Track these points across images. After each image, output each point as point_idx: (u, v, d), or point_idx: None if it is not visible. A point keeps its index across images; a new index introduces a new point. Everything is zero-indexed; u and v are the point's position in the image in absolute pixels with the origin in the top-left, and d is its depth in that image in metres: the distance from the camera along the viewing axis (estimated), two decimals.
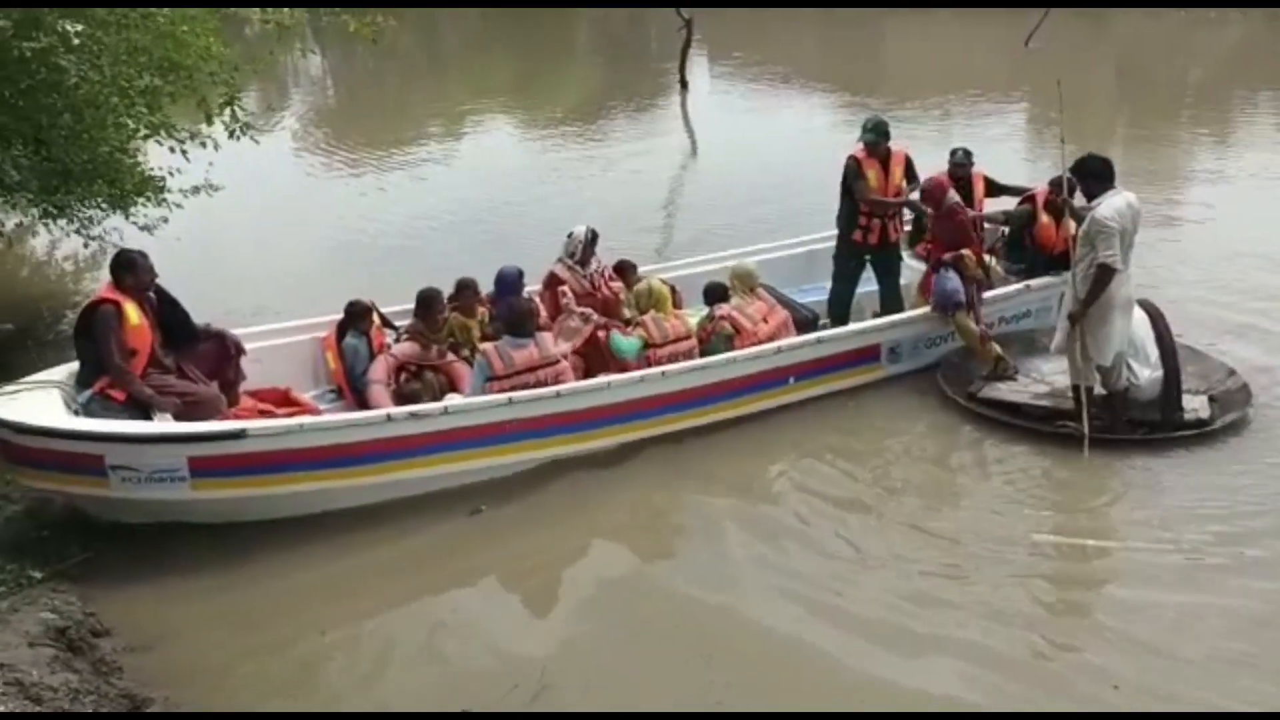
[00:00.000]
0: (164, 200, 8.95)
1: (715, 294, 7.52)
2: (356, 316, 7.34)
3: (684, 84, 21.25)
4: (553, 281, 7.91)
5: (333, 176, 15.50)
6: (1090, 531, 6.18)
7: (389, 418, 6.24)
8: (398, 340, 7.57)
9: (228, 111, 8.13)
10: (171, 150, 8.62)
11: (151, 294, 6.50)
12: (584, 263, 7.94)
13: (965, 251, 7.80)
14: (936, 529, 6.17)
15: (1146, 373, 7.09)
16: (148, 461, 5.85)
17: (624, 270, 8.22)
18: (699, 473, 6.87)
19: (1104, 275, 6.63)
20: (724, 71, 24.50)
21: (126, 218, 8.93)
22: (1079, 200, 7.06)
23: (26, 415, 5.81)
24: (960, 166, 8.82)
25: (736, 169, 14.89)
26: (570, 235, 7.92)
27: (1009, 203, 9.15)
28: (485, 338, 7.58)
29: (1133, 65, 24.41)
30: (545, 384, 6.64)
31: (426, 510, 6.46)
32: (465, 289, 7.59)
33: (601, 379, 6.85)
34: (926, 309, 7.81)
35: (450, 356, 7.52)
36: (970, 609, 5.46)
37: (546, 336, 6.80)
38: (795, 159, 15.00)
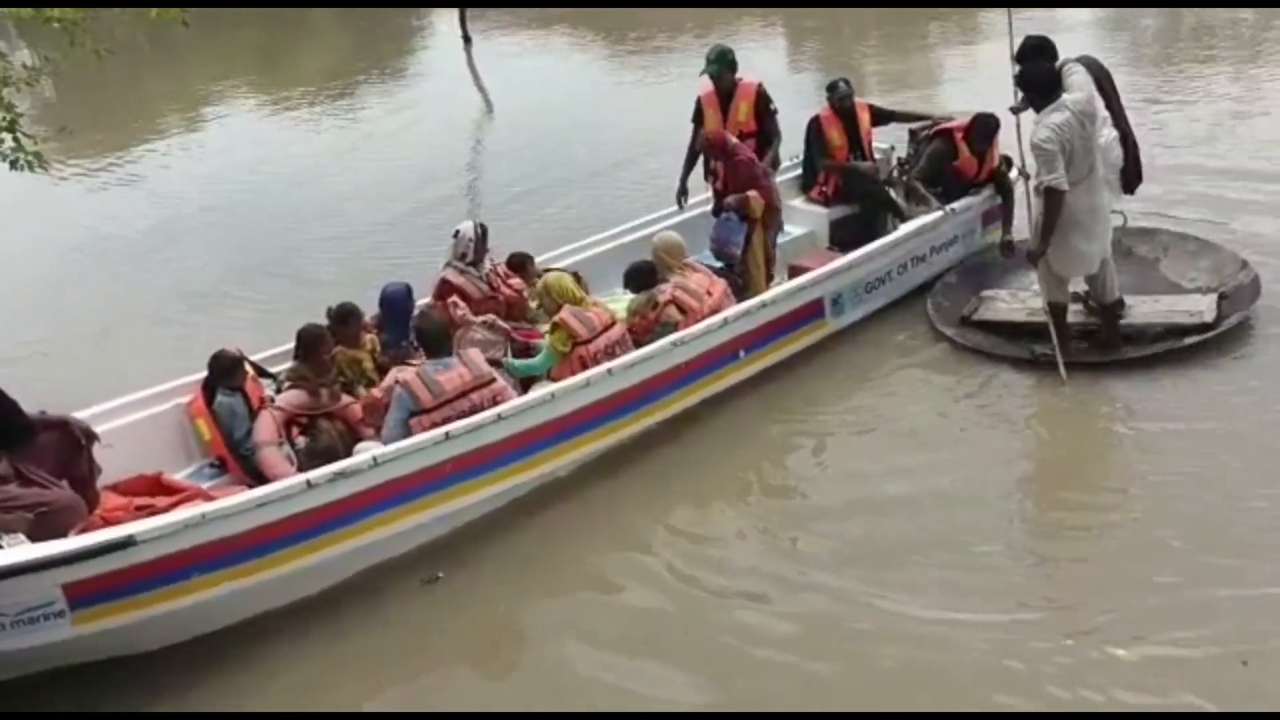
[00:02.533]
0: None
1: (642, 276, 6.57)
2: (225, 371, 6.04)
3: (467, 38, 19.80)
4: (446, 290, 6.80)
5: (71, 183, 13.34)
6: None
7: (309, 484, 5.04)
8: (279, 390, 6.30)
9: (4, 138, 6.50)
10: None
11: None
12: (477, 263, 6.86)
13: (751, 193, 7.19)
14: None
15: None
16: (11, 600, 4.48)
17: (520, 265, 7.19)
18: (675, 481, 6.01)
19: (1052, 199, 6.21)
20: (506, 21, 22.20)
21: None
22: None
23: None
24: (843, 100, 8.17)
25: (546, 124, 13.88)
26: (457, 234, 6.82)
27: (899, 130, 8.61)
28: (379, 370, 6.42)
29: None
30: (484, 409, 5.57)
31: (371, 590, 5.33)
32: (349, 317, 6.39)
33: (543, 390, 5.81)
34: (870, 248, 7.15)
35: (345, 398, 6.32)
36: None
37: (473, 353, 5.71)
38: (602, 106, 14.29)
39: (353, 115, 15.72)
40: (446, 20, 21.27)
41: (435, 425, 5.47)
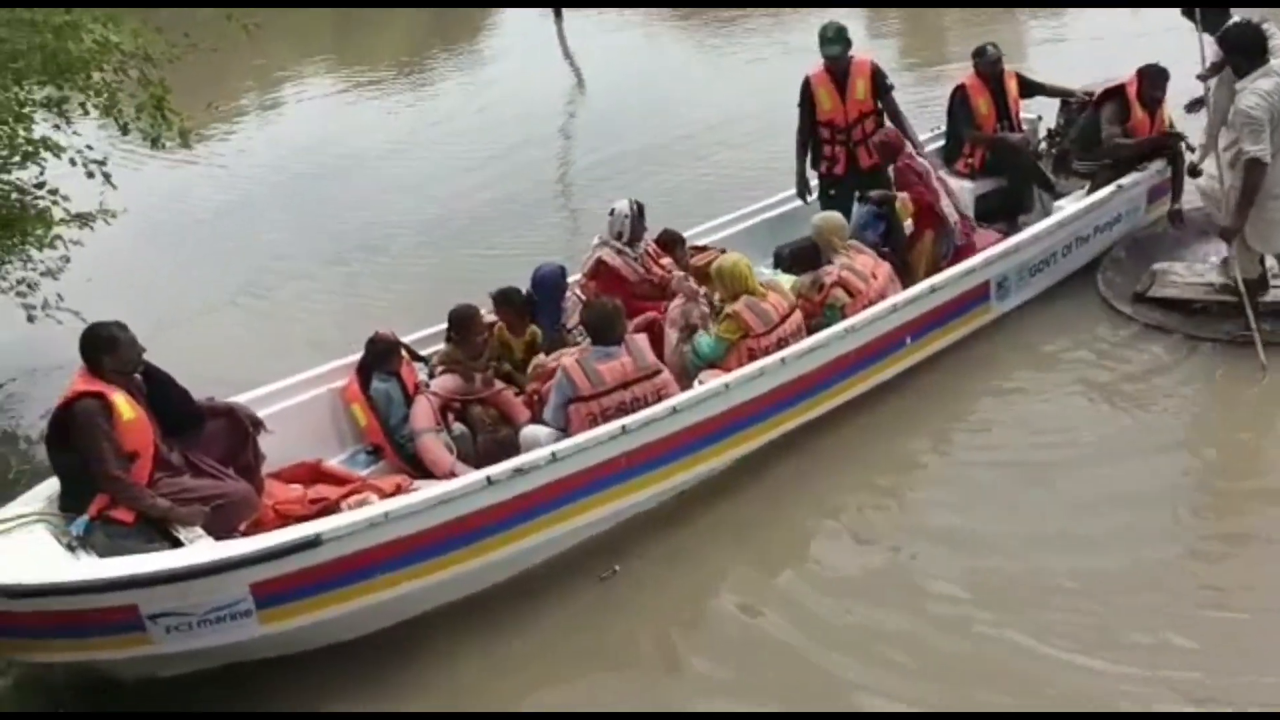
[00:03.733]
0: (56, 238, 6.89)
1: (804, 258, 6.28)
2: (381, 356, 5.85)
3: (558, 10, 19.24)
4: (601, 271, 6.55)
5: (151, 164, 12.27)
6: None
7: (489, 480, 4.83)
8: (431, 374, 6.11)
9: (147, 116, 6.28)
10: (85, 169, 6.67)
11: (138, 375, 4.91)
12: (633, 243, 6.59)
13: (903, 195, 6.94)
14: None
15: None
16: (199, 600, 4.35)
17: (671, 243, 6.92)
18: (837, 473, 5.77)
19: (1254, 172, 5.83)
20: None
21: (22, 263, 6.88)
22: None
23: (18, 573, 4.22)
24: (992, 65, 7.76)
25: (637, 101, 13.50)
26: (612, 212, 6.56)
27: (1048, 105, 8.20)
28: (529, 359, 6.21)
29: None
30: (645, 402, 5.33)
31: (545, 584, 5.15)
32: (511, 301, 6.17)
33: (716, 381, 5.55)
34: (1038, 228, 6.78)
35: (498, 384, 6.12)
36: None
37: (640, 340, 5.46)
38: (691, 83, 13.80)
39: (435, 91, 15.42)
40: None
41: (592, 414, 5.26)
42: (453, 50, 17.79)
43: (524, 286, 6.35)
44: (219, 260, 9.84)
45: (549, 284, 6.25)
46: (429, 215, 10.45)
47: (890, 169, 7.06)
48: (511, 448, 5.38)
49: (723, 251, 6.95)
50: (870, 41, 15.16)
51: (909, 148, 6.97)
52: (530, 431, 5.50)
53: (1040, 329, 6.78)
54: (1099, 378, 6.23)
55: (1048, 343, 6.64)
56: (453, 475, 5.58)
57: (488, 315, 6.23)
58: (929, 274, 6.68)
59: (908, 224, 7.17)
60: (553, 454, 4.99)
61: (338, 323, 8.23)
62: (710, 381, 5.55)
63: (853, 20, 15.07)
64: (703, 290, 6.24)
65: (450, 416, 5.97)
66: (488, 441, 5.51)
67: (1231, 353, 6.17)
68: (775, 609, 4.92)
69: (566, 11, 19.21)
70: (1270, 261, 6.38)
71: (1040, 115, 8.31)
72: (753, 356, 5.78)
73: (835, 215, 6.47)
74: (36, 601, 4.21)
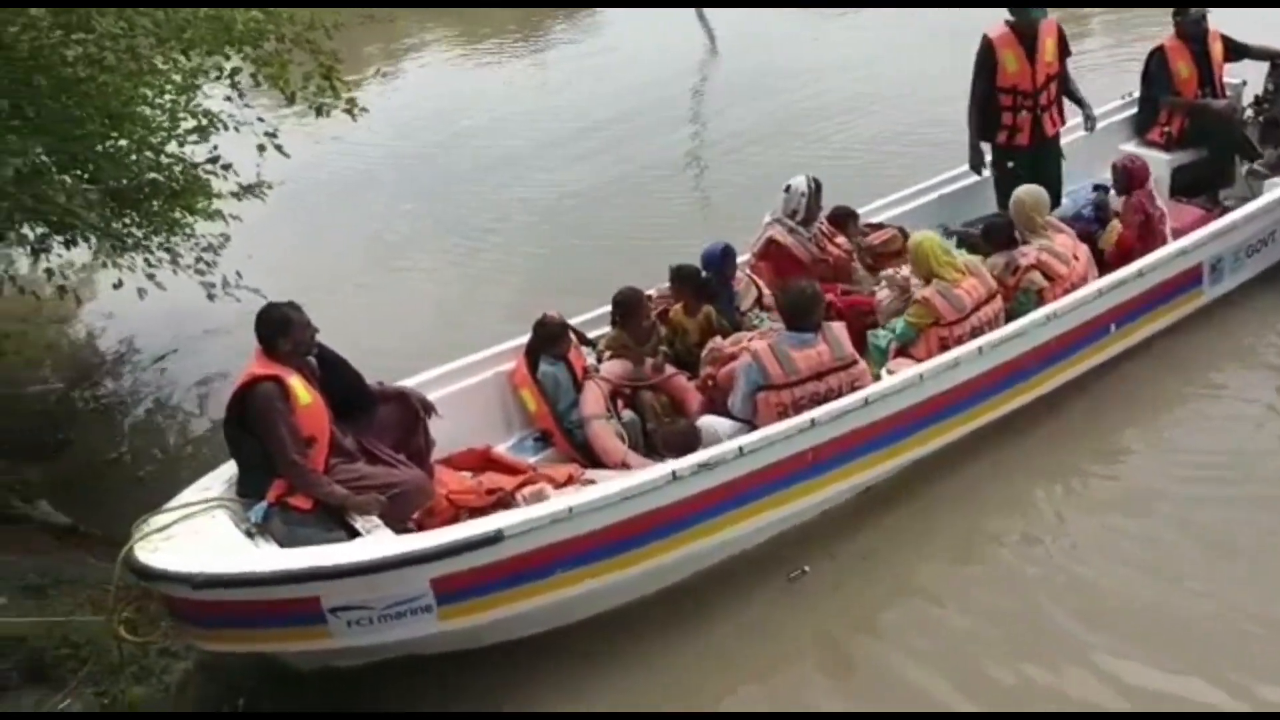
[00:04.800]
0: (216, 211, 6.77)
1: (998, 235, 5.82)
2: (550, 339, 5.62)
3: None
4: (771, 251, 6.21)
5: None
6: None
7: (674, 475, 4.55)
8: (599, 359, 5.87)
9: (315, 87, 6.11)
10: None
11: (311, 357, 4.77)
12: (808, 222, 6.22)
13: (1114, 225, 6.33)
14: None
15: None
16: (381, 594, 4.19)
17: (843, 220, 6.53)
18: (1035, 466, 5.40)
19: None
20: None
21: (184, 238, 6.76)
22: None
23: (203, 561, 4.11)
24: (1195, 24, 7.11)
25: (777, 67, 12.80)
26: (788, 189, 6.20)
27: (1256, 69, 7.49)
28: (703, 340, 5.90)
29: None
30: (839, 394, 4.98)
31: (731, 583, 4.88)
32: (688, 279, 5.87)
33: (909, 372, 5.17)
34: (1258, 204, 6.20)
35: (669, 369, 5.84)
36: None
37: (838, 328, 5.11)
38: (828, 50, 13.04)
39: (554, 58, 15.00)
40: None
41: (782, 405, 4.95)
42: (573, 18, 17.44)
43: (655, 263, 6.07)
44: (346, 235, 9.78)
45: (720, 263, 5.93)
46: (550, 189, 10.20)
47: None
48: (691, 438, 5.07)
49: (900, 230, 6.56)
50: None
51: (1151, 184, 6.37)
52: (709, 423, 5.22)
53: (1255, 316, 6.17)
54: None
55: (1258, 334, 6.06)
56: (625, 465, 5.37)
57: (656, 291, 5.95)
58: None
59: None
60: (740, 448, 4.68)
61: (469, 300, 8.15)
62: (902, 372, 5.16)
63: None
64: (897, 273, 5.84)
65: (620, 403, 5.72)
66: (668, 433, 5.19)
67: None
68: (960, 613, 4.62)
69: None
70: None
71: (1245, 80, 7.60)
72: (944, 345, 5.39)
73: (1039, 190, 5.98)
74: (220, 591, 4.10)
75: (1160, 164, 7.23)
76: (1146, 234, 6.18)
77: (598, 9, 16.24)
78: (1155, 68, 7.29)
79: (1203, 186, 7.23)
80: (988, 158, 6.94)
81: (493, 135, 11.87)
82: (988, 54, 6.69)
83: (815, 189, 6.15)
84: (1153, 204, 6.25)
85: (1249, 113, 7.54)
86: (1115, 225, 6.33)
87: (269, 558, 4.20)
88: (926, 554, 4.98)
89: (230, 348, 7.58)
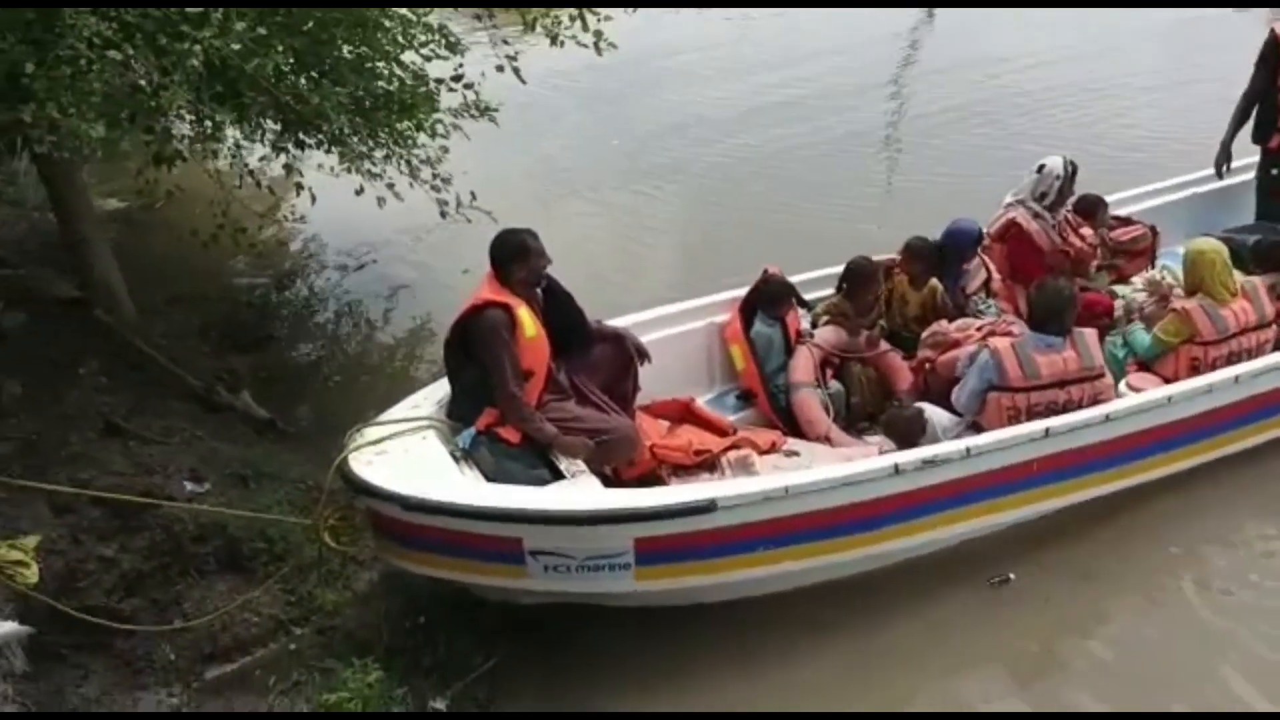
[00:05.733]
0: (438, 125, 6.57)
1: (1275, 257, 5.34)
2: (774, 299, 5.41)
3: None
4: (1011, 233, 5.83)
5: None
6: None
7: (896, 469, 4.32)
8: (814, 323, 5.63)
9: (564, 16, 5.88)
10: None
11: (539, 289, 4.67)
12: (1055, 207, 5.81)
13: None
14: None
15: None
16: (583, 545, 4.10)
17: (1091, 210, 6.08)
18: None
19: None
20: None
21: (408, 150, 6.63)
22: None
23: (415, 483, 4.08)
24: None
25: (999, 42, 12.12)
26: (1041, 169, 5.79)
27: None
28: (923, 315, 5.61)
29: None
30: (1078, 406, 4.64)
31: (931, 579, 4.67)
32: (921, 253, 5.58)
33: (1158, 393, 4.79)
34: None
35: (884, 345, 5.57)
36: None
37: (1089, 335, 4.75)
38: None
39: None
40: None
41: (1015, 409, 4.65)
42: None
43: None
44: (550, 162, 9.67)
45: (964, 241, 5.60)
46: (739, 149, 9.92)
47: None
48: (916, 427, 4.82)
49: (1151, 229, 6.10)
50: None
51: None
52: (928, 413, 4.95)
53: None
54: None
55: None
56: (827, 439, 5.18)
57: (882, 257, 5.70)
58: None
59: None
60: (968, 449, 4.42)
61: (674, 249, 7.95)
62: (1150, 391, 4.79)
63: None
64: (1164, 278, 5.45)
65: (829, 372, 5.50)
66: (894, 417, 4.94)
67: None
68: (1160, 638, 4.39)
69: None
70: None
71: None
72: (1194, 366, 4.99)
73: None
74: (428, 516, 4.07)
75: None
76: None
77: None
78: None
79: None
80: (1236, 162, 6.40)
81: (690, 84, 11.57)
82: (1273, 48, 6.09)
83: (1071, 172, 5.74)
84: None
85: None
86: None
87: (480, 491, 4.15)
88: (1145, 580, 4.68)
89: (414, 261, 7.65)
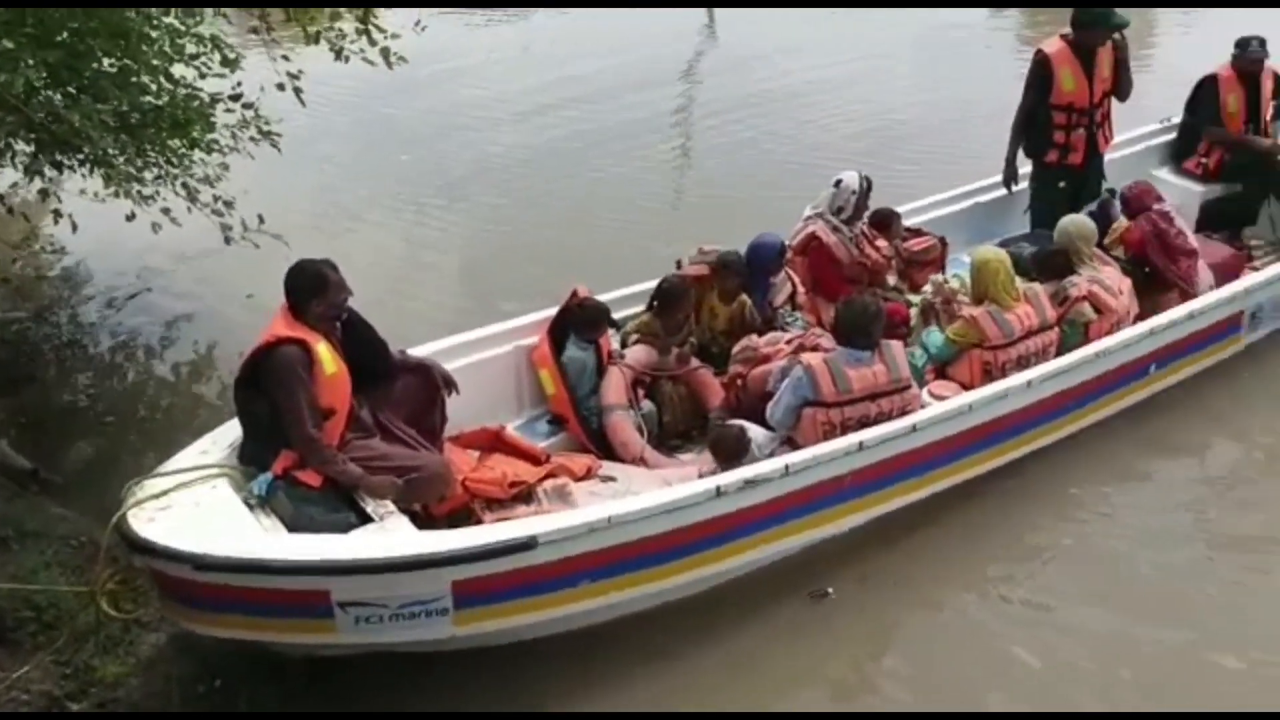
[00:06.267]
0: (215, 142, 6.12)
1: (1053, 265, 5.59)
2: (590, 322, 5.29)
3: None
4: (811, 247, 5.91)
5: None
6: None
7: (719, 491, 4.27)
8: (624, 344, 5.54)
9: (348, 30, 5.58)
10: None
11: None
12: (851, 221, 5.93)
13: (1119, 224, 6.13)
14: None
15: None
16: (397, 593, 3.85)
17: (886, 223, 6.24)
18: (1073, 488, 5.29)
19: None
20: None
21: (182, 172, 6.10)
22: None
23: (207, 540, 3.73)
24: (1254, 61, 6.92)
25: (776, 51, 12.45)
26: (838, 184, 5.89)
27: None
28: (731, 329, 5.62)
29: None
30: (889, 417, 4.73)
31: (755, 596, 4.65)
32: (733, 267, 5.56)
33: (958, 400, 4.93)
34: None
35: (694, 361, 5.55)
36: None
37: (896, 348, 4.83)
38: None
39: (533, 26, 14.37)
40: None
41: (829, 424, 4.67)
42: None
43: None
44: (328, 182, 9.26)
45: (768, 255, 5.63)
46: (528, 163, 9.77)
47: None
48: (742, 447, 4.76)
49: (941, 240, 6.32)
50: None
51: (1166, 205, 6.16)
52: (748, 431, 4.92)
53: None
54: None
55: None
56: (641, 460, 5.09)
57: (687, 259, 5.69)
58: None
59: None
60: (786, 466, 4.41)
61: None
62: (951, 400, 4.92)
63: None
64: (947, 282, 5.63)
65: (640, 391, 5.42)
66: (719, 438, 4.84)
67: None
68: (976, 640, 4.50)
69: None
70: None
71: None
72: (986, 369, 5.17)
73: (1085, 220, 5.80)
74: (224, 575, 3.73)
75: (1191, 195, 7.10)
76: (1161, 244, 6.01)
77: None
78: (1205, 97, 7.10)
79: (1227, 223, 7.09)
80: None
81: (476, 95, 11.35)
82: (1043, 70, 6.41)
83: (866, 187, 5.87)
84: (1167, 222, 6.05)
85: None
86: (1121, 222, 6.18)
87: (281, 543, 3.83)
88: (957, 580, 4.80)
89: (192, 290, 7.15)
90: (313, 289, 4.16)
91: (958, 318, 5.28)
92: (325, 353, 4.15)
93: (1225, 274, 6.16)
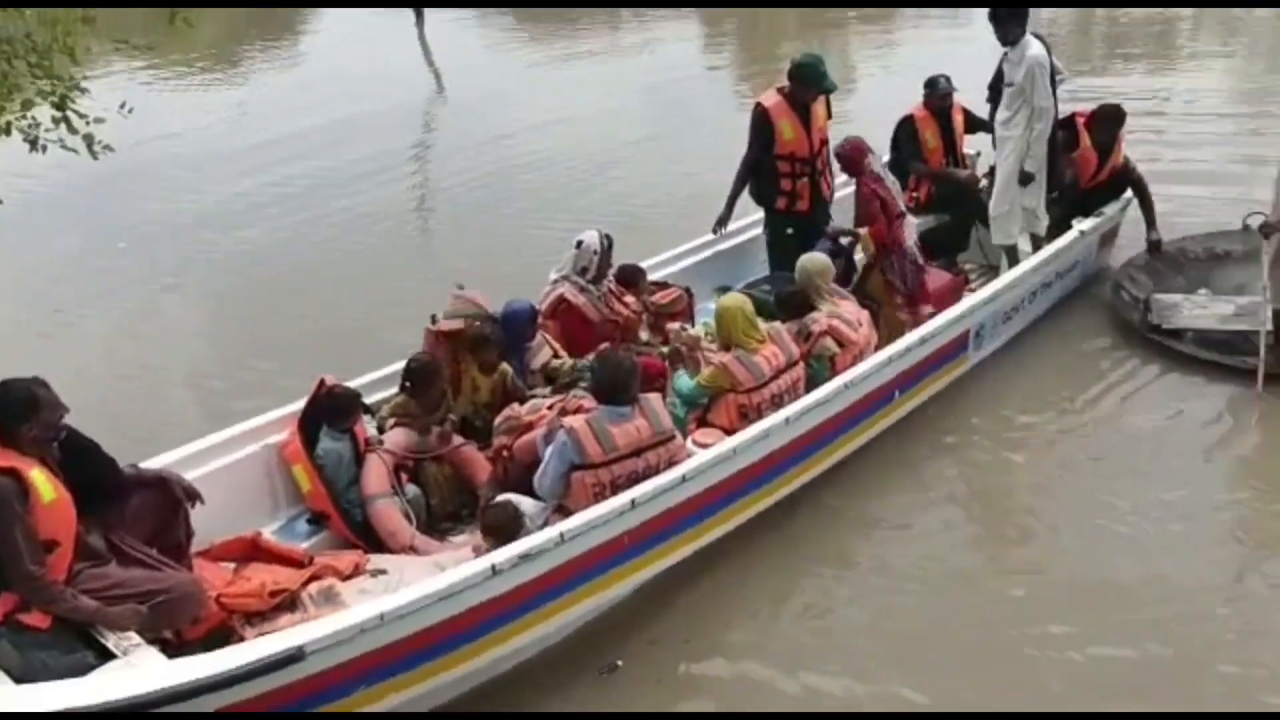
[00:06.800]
0: None
1: (795, 304, 5.79)
2: (341, 411, 5.04)
3: (418, 7, 18.40)
4: (561, 310, 5.90)
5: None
6: None
7: (494, 570, 4.12)
8: (381, 429, 5.32)
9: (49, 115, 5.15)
10: None
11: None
12: (597, 279, 5.96)
13: (861, 231, 6.51)
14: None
15: None
16: None
17: (632, 279, 6.30)
18: (848, 518, 5.41)
19: None
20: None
21: None
22: None
23: None
24: (943, 98, 7.51)
25: (500, 115, 12.65)
26: (579, 244, 5.90)
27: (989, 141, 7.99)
28: (494, 400, 5.51)
29: None
30: (657, 471, 4.73)
31: (539, 680, 4.47)
32: (489, 339, 5.44)
33: (723, 446, 4.99)
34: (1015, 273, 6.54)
35: (457, 439, 5.39)
36: None
37: (655, 400, 4.84)
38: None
39: (262, 97, 14.09)
40: None
41: (599, 485, 4.62)
42: (271, 45, 16.51)
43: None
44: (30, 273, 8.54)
45: (522, 321, 5.56)
46: (252, 243, 9.51)
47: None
48: (517, 524, 4.61)
49: (686, 290, 6.44)
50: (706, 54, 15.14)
51: (870, 159, 6.53)
52: (519, 504, 4.79)
53: (1013, 380, 6.50)
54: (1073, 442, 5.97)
55: (1020, 399, 6.37)
56: (411, 549, 4.88)
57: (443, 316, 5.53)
58: (890, 312, 6.39)
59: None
60: (561, 535, 4.31)
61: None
62: (716, 446, 4.97)
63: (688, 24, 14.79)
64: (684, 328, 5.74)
65: (404, 476, 5.20)
66: (492, 521, 4.64)
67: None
68: (774, 675, 4.50)
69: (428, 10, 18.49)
70: None
71: (979, 151, 8.10)
72: (742, 412, 5.26)
73: (822, 258, 6.01)
74: None
75: (909, 227, 7.52)
76: (889, 218, 6.43)
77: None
78: (905, 136, 7.61)
79: (944, 250, 7.59)
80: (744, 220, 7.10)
81: (191, 174, 10.84)
82: (763, 122, 6.67)
83: (607, 246, 5.91)
84: (881, 185, 6.45)
85: (984, 183, 8.00)
86: (864, 231, 6.51)
87: (7, 698, 3.38)
88: (746, 623, 4.79)
89: None
90: (22, 412, 3.75)
91: (708, 364, 5.35)
92: (41, 479, 3.74)
93: (948, 298, 6.58)
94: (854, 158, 6.47)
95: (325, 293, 8.34)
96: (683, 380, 5.43)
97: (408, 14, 18.53)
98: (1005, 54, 6.70)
